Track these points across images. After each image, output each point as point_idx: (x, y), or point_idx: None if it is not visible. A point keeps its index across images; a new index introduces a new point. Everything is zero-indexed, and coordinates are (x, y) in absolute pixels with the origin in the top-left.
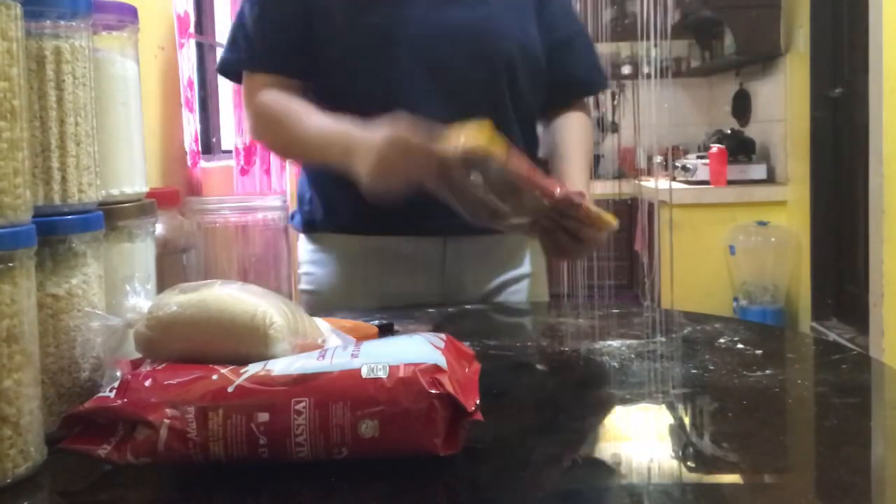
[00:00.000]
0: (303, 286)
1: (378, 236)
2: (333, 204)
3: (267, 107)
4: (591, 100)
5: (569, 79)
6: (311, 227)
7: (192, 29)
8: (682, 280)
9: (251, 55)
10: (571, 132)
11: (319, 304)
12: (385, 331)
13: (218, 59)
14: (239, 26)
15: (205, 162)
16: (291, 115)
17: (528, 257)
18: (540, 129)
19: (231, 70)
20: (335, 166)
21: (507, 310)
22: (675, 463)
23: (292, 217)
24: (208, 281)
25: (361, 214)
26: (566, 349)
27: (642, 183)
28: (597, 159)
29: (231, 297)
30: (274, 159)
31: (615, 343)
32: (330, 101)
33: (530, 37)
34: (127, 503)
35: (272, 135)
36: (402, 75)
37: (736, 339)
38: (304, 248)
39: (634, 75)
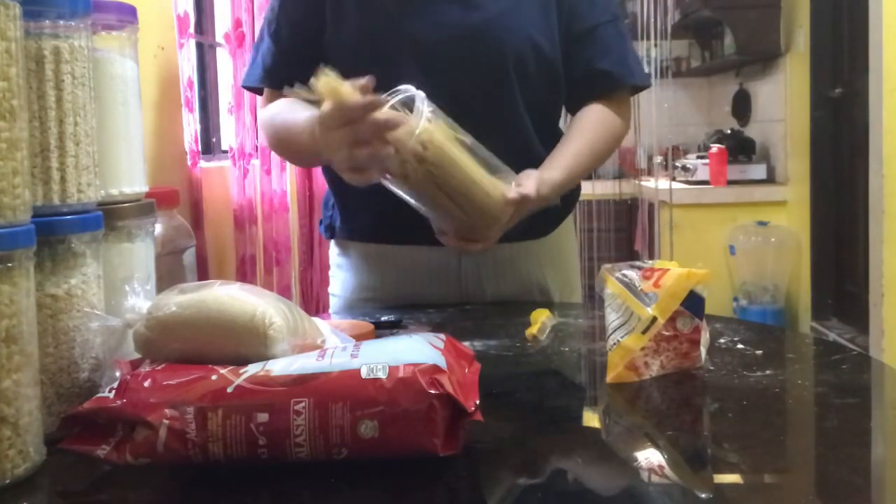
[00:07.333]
0: (329, 289)
1: (393, 245)
2: (350, 211)
3: (267, 118)
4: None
5: (588, 72)
6: (331, 232)
7: (192, 29)
8: None
9: (263, 72)
10: (579, 120)
11: (343, 307)
12: (394, 326)
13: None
14: (258, 42)
15: (205, 162)
16: (279, 120)
17: (554, 264)
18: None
19: (250, 87)
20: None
21: (507, 310)
22: (675, 463)
23: (321, 222)
24: (208, 281)
25: (376, 223)
26: (566, 349)
27: (642, 183)
28: None
29: (230, 297)
30: (274, 159)
31: None
32: None
33: (545, 34)
34: (126, 503)
35: (274, 144)
36: (405, 80)
37: (736, 339)
38: (331, 251)
39: None
